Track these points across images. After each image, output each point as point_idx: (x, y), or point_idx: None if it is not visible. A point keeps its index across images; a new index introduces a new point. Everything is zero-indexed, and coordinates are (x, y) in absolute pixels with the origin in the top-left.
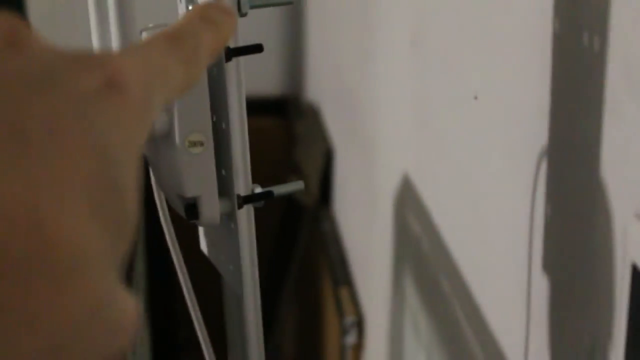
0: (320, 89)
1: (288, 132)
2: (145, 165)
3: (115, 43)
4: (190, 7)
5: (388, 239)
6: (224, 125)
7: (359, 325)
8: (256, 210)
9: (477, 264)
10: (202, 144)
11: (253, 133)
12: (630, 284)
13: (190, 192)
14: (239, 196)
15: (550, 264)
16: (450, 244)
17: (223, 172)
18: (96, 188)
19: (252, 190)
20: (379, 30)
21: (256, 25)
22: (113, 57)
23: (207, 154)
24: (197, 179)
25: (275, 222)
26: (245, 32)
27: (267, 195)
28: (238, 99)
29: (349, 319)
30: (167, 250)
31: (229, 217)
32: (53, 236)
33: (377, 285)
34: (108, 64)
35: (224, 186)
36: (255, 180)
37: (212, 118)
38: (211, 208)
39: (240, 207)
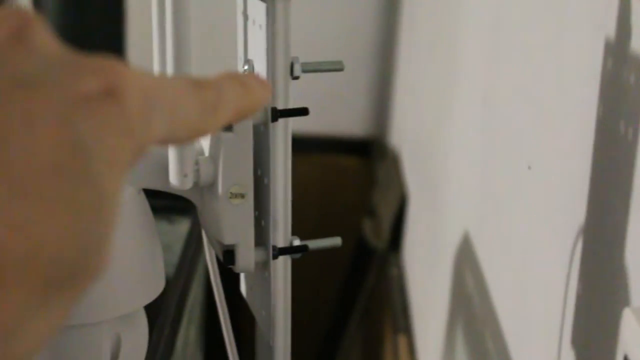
0: (402, 134)
1: (369, 173)
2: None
3: None
4: (246, 67)
5: (445, 292)
6: (266, 181)
7: None
8: (327, 249)
9: (516, 329)
10: (242, 196)
11: (336, 171)
12: None
13: (228, 240)
14: (275, 247)
15: (577, 341)
16: (497, 306)
17: (263, 223)
18: (63, 179)
19: (291, 243)
20: (456, 86)
21: (348, 68)
22: (120, 66)
23: (247, 206)
24: (235, 228)
25: (347, 261)
26: (338, 73)
27: (302, 249)
28: (283, 157)
29: None
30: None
31: (264, 266)
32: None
33: (432, 337)
34: (112, 71)
35: (262, 237)
36: (331, 216)
37: (257, 172)
38: (246, 256)
39: (275, 257)
